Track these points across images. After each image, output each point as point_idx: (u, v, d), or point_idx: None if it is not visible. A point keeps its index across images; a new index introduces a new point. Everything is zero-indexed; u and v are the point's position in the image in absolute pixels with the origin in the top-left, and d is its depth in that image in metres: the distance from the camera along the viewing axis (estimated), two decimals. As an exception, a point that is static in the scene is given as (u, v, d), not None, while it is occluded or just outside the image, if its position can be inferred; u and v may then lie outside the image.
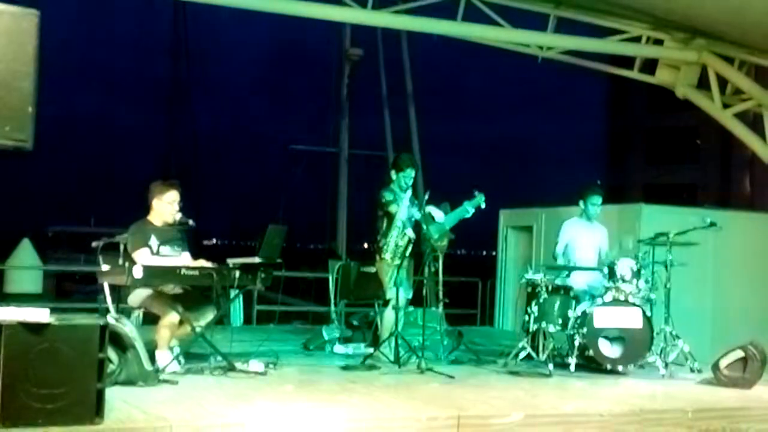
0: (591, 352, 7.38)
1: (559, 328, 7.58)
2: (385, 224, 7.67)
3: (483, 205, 8.09)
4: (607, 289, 7.64)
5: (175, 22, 37.32)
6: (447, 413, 5.30)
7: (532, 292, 7.77)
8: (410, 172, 7.77)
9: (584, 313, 7.49)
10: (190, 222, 6.85)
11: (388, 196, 7.67)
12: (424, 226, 7.52)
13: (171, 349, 6.43)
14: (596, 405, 5.94)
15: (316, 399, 5.67)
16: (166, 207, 6.74)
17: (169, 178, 7.26)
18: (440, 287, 7.99)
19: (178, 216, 6.77)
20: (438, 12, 10.64)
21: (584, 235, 8.31)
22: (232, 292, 7.03)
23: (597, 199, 8.29)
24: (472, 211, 8.04)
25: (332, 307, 9.51)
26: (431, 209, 7.90)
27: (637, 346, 7.43)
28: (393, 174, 7.75)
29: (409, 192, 7.64)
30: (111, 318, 5.82)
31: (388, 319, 7.63)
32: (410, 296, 7.77)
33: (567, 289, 7.77)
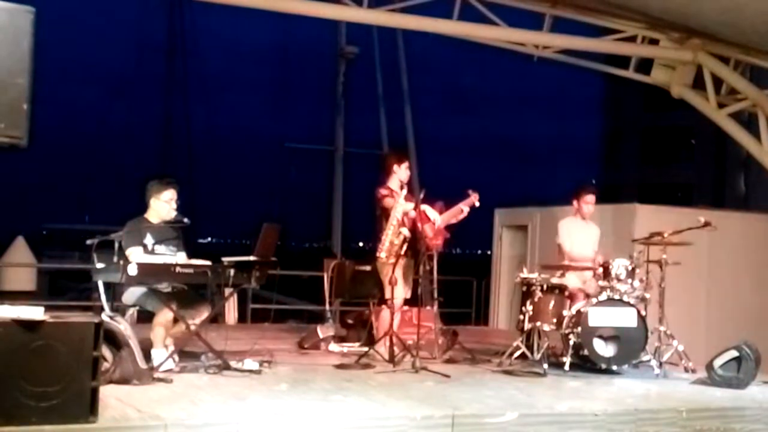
0: (585, 352, 7.38)
1: (553, 327, 7.59)
2: (382, 223, 7.68)
3: (477, 204, 8.13)
4: (602, 288, 7.66)
5: (170, 20, 37.39)
6: (442, 412, 5.29)
7: (527, 291, 7.78)
8: (406, 162, 7.92)
9: (579, 312, 7.50)
10: (185, 220, 6.84)
11: (383, 193, 7.70)
12: (419, 225, 7.54)
13: (166, 347, 6.42)
14: (591, 404, 5.93)
15: (310, 398, 5.66)
16: (163, 205, 6.74)
17: (165, 177, 7.23)
18: (435, 286, 7.99)
19: (173, 214, 6.78)
20: (434, 10, 10.62)
21: (580, 233, 8.36)
22: (227, 291, 7.02)
23: (590, 198, 8.39)
24: (466, 210, 8.09)
25: (327, 306, 9.51)
26: (426, 208, 7.93)
27: (631, 346, 7.43)
28: (395, 168, 7.79)
29: (405, 190, 7.67)
30: (105, 316, 5.82)
31: (383, 317, 7.63)
32: (408, 295, 7.77)
33: (562, 288, 7.78)
